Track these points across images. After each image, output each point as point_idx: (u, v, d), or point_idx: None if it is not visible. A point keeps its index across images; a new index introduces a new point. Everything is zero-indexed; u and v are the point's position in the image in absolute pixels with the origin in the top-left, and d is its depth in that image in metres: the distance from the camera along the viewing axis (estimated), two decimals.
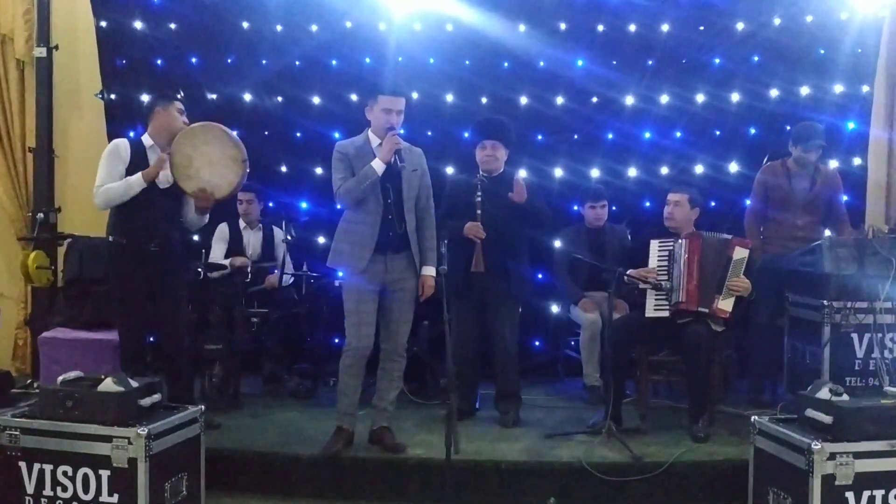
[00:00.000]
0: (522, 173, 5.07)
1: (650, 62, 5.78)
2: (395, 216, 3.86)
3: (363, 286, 3.82)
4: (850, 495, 3.00)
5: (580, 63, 5.76)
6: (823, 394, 3.22)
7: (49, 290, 5.39)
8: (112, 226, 4.04)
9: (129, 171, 3.94)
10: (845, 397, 3.20)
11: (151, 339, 4.34)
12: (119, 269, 4.02)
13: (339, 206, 3.98)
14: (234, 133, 4.09)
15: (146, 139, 4.07)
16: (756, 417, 3.43)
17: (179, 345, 4.09)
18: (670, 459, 3.71)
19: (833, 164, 5.47)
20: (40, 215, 5.41)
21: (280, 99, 5.82)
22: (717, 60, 5.76)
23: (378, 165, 3.79)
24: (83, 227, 5.57)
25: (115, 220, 4.03)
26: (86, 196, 5.78)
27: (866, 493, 3.01)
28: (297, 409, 4.73)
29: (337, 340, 5.29)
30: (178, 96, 4.21)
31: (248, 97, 5.76)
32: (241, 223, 5.33)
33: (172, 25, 5.75)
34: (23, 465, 3.21)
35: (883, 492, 3.02)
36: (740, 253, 4.22)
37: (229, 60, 5.81)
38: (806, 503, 3.01)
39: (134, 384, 3.30)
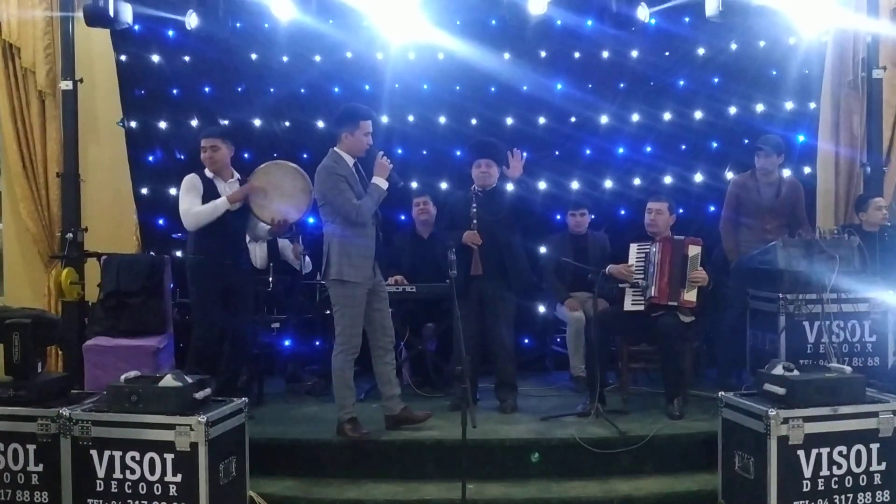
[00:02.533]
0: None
1: (622, 85, 6.39)
2: (378, 227, 4.49)
3: (364, 292, 4.36)
4: (801, 453, 3.55)
5: (559, 87, 6.34)
6: (778, 370, 3.78)
7: (78, 304, 5.82)
8: (192, 245, 4.68)
9: (203, 200, 4.62)
10: (796, 373, 3.77)
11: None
12: (200, 281, 4.65)
13: (353, 224, 4.35)
14: (301, 168, 4.71)
15: (207, 173, 4.73)
16: (723, 393, 3.97)
17: (243, 347, 4.72)
18: (651, 433, 4.28)
19: (786, 172, 6.09)
20: (69, 235, 5.84)
21: (287, 124, 6.32)
22: (682, 82, 6.39)
23: (383, 184, 4.39)
24: (103, 245, 5.97)
25: (195, 240, 4.66)
26: (106, 216, 6.32)
27: (814, 451, 3.56)
28: (314, 404, 5.21)
29: None
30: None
31: (257, 122, 6.24)
32: (248, 237, 5.76)
33: (187, 58, 6.21)
34: (94, 452, 3.62)
35: (828, 449, 3.58)
36: (693, 250, 4.85)
37: (240, 89, 6.29)
38: (765, 462, 3.54)
39: (189, 380, 3.78)
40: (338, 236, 4.34)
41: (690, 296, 4.79)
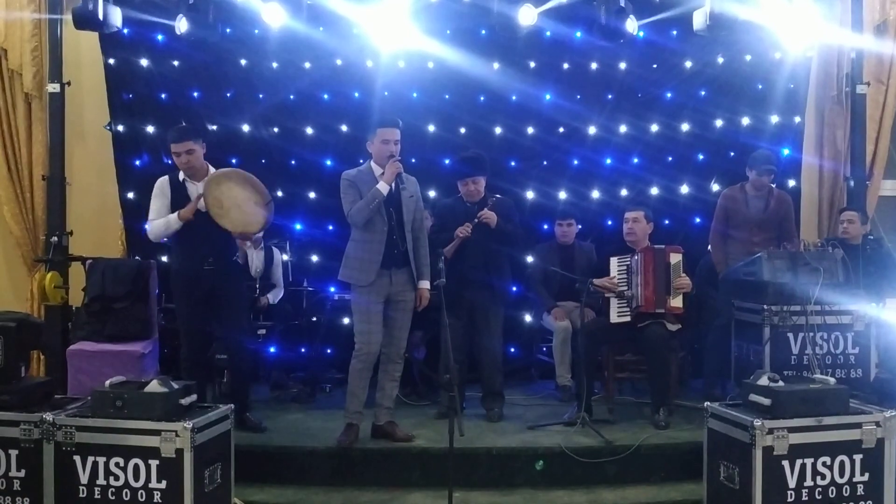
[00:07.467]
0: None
1: (610, 96, 6.42)
2: (398, 236, 4.41)
3: (373, 298, 4.34)
4: (785, 463, 3.57)
5: (548, 97, 6.38)
6: (763, 381, 3.80)
7: (62, 308, 5.77)
8: (173, 250, 4.60)
9: (173, 203, 4.48)
10: (781, 383, 3.79)
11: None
12: (178, 288, 4.56)
13: (353, 227, 4.44)
14: (254, 176, 4.54)
15: (181, 174, 4.57)
16: (709, 403, 3.99)
17: (239, 352, 4.65)
18: (637, 443, 4.31)
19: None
20: (54, 238, 5.79)
21: (276, 130, 6.29)
22: (669, 94, 6.44)
23: (383, 187, 4.34)
24: (88, 249, 5.93)
25: (172, 246, 4.59)
26: (91, 220, 6.29)
27: (798, 462, 3.59)
28: (300, 411, 5.20)
29: (329, 351, 5.79)
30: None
31: (246, 128, 6.22)
32: (247, 242, 5.75)
33: (176, 63, 6.18)
34: (77, 458, 3.57)
35: (812, 460, 3.61)
36: (675, 258, 4.92)
37: (228, 95, 6.26)
38: (750, 472, 3.56)
39: (175, 386, 3.75)
40: (349, 239, 4.46)
41: (677, 302, 4.86)
